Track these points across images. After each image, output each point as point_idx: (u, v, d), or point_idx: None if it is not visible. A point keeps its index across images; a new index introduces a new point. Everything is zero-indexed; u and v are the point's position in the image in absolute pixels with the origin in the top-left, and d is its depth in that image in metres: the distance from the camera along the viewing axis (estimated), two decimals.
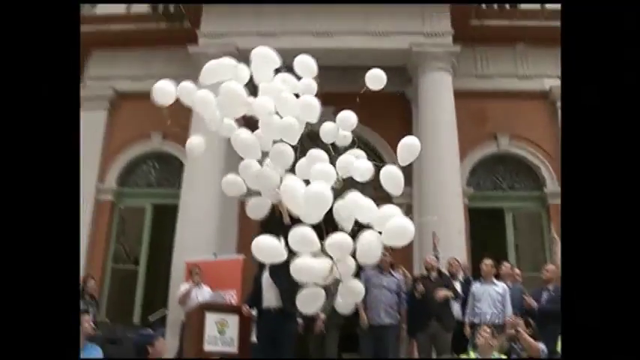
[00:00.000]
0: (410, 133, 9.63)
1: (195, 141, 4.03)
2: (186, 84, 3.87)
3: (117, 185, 10.53)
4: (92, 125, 10.43)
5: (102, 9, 11.15)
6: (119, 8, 11.18)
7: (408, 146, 3.75)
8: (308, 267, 2.92)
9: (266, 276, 5.52)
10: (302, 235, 2.93)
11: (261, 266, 5.61)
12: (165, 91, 3.81)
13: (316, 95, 3.84)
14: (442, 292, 6.71)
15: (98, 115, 10.66)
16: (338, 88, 10.03)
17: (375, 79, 4.13)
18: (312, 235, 2.92)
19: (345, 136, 4.12)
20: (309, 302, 3.07)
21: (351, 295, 3.24)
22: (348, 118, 4.08)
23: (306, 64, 4.05)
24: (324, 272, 2.92)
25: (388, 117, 9.85)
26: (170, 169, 10.61)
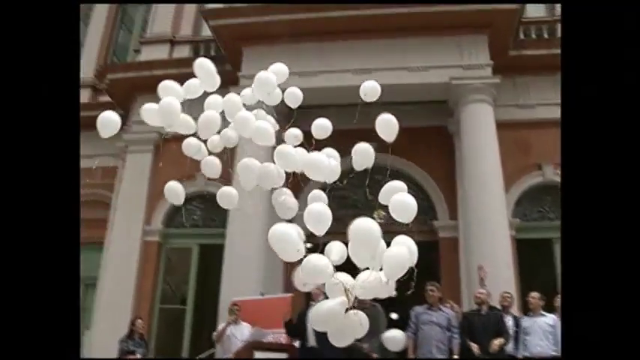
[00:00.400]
0: (453, 166, 9.69)
1: (172, 185, 4.44)
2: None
3: (163, 226, 10.74)
4: (138, 168, 10.74)
5: (145, 55, 11.55)
6: (162, 54, 11.57)
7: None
8: (327, 312, 2.84)
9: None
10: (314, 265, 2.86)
11: (308, 304, 5.64)
12: (109, 122, 3.94)
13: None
14: (496, 343, 6.52)
15: (144, 158, 10.95)
16: None
17: (371, 90, 4.38)
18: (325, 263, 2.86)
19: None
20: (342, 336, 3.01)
21: (392, 344, 3.26)
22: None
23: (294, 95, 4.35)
24: (343, 304, 2.81)
25: (431, 152, 9.87)
26: (215, 209, 10.75)
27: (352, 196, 9.77)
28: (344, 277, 2.89)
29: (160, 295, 10.51)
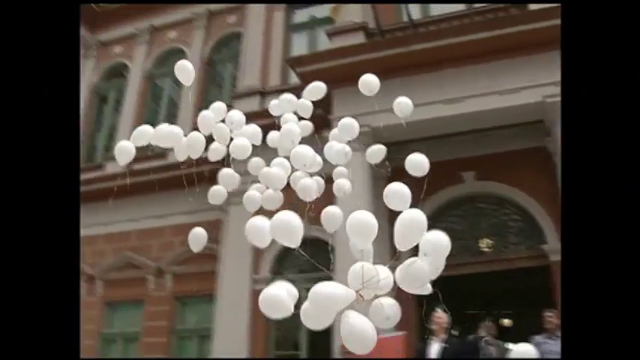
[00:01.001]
0: (556, 187, 9.35)
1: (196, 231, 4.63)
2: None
3: (271, 274, 10.96)
4: (241, 219, 11.04)
5: (238, 109, 11.99)
6: (253, 106, 12.03)
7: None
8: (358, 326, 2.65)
9: (434, 351, 5.49)
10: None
11: (425, 341, 5.59)
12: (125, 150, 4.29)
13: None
14: None
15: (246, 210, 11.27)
16: (475, 151, 10.04)
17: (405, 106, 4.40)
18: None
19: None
20: None
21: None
22: None
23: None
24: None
25: (533, 174, 9.58)
26: (320, 253, 10.90)
27: (456, 228, 9.64)
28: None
29: (274, 341, 10.69)
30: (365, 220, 2.95)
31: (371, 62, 9.76)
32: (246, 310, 10.62)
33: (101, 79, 17.12)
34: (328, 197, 4.81)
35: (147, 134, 4.50)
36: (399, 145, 10.33)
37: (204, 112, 4.72)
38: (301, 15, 14.12)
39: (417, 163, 4.29)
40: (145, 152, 15.63)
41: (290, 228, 3.22)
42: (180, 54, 15.53)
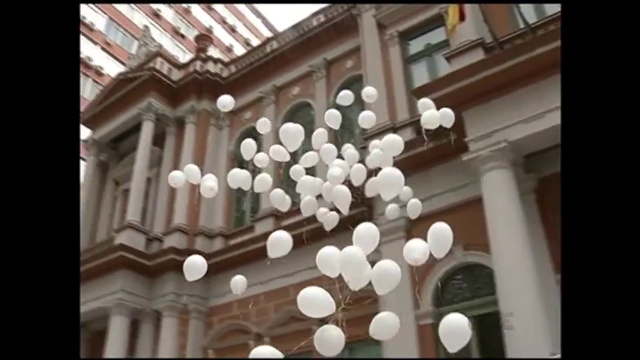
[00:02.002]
0: None
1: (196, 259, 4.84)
2: None
3: (433, 307, 10.88)
4: (394, 255, 11.13)
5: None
6: None
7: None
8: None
9: None
10: None
11: None
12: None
13: None
14: None
15: (398, 245, 11.36)
16: None
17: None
18: None
19: None
20: None
21: None
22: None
23: None
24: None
25: None
26: (480, 277, 10.73)
27: None
28: None
29: None
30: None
31: (495, 76, 9.67)
32: (414, 347, 10.61)
33: (237, 146, 18.18)
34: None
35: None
36: (539, 155, 10.06)
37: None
38: (416, 45, 14.30)
39: None
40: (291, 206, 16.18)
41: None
42: (306, 107, 16.24)
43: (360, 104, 15.33)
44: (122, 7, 45.35)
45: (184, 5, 51.93)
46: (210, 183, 6.03)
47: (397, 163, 11.67)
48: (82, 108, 27.96)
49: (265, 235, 15.40)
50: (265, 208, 15.46)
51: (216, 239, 17.01)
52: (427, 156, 11.14)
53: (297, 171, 6.67)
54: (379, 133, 12.65)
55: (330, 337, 3.54)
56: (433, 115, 6.05)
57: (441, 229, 3.93)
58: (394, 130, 12.69)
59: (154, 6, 48.16)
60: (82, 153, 28.68)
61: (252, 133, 17.42)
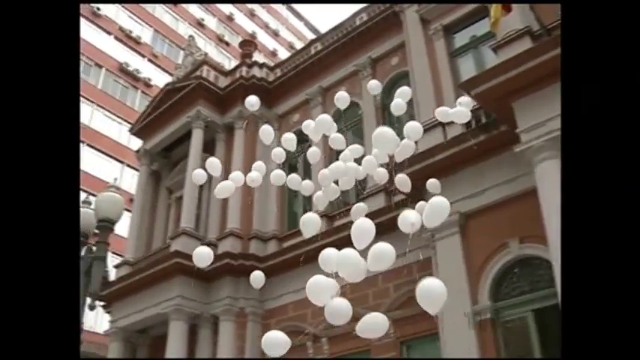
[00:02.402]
0: None
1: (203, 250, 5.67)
2: None
3: (491, 302, 10.82)
4: (450, 252, 11.19)
5: (423, 144, 12.22)
6: (437, 139, 12.15)
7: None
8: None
9: None
10: None
11: None
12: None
13: None
14: None
15: (452, 241, 11.36)
16: None
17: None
18: None
19: None
20: None
21: None
22: None
23: None
24: None
25: None
26: (538, 270, 10.61)
27: None
28: None
29: None
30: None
31: (544, 64, 9.56)
32: (474, 343, 10.56)
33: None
34: None
35: None
36: None
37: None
38: (461, 38, 14.24)
39: None
40: (335, 208, 16.32)
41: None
42: (354, 107, 16.28)
43: (409, 103, 15.39)
44: (166, 19, 46.43)
45: (227, 13, 52.77)
46: (254, 174, 6.57)
47: (448, 158, 11.67)
48: (132, 119, 28.75)
49: (317, 237, 15.54)
50: (316, 209, 15.62)
51: (270, 242, 17.27)
52: (478, 149, 11.09)
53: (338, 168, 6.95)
54: (429, 129, 12.61)
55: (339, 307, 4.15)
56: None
57: (439, 200, 4.41)
58: (443, 125, 12.67)
59: (198, 15, 49.12)
60: (135, 163, 29.44)
61: (301, 135, 17.57)
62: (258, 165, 6.98)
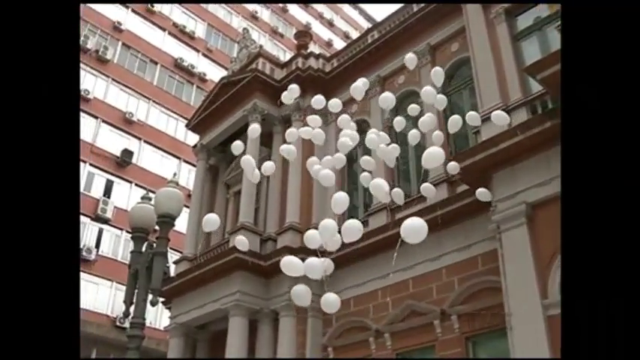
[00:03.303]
0: None
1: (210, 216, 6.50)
2: None
3: (561, 296, 10.56)
4: (517, 244, 11.01)
5: (486, 133, 12.07)
6: (501, 126, 11.94)
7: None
8: None
9: None
10: None
11: None
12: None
13: None
14: None
15: (520, 232, 11.16)
16: None
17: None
18: None
19: None
20: None
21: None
22: None
23: None
24: None
25: None
26: None
27: None
28: None
29: None
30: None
31: None
32: (544, 339, 10.33)
33: None
34: None
35: None
36: None
37: None
38: (524, 20, 13.93)
39: None
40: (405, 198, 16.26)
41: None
42: (413, 96, 16.16)
43: (469, 89, 15.19)
44: (220, 13, 47.11)
45: (281, 4, 53.09)
46: (317, 167, 6.98)
47: (513, 146, 11.45)
48: (189, 115, 29.29)
49: (379, 230, 15.57)
50: (378, 202, 15.57)
51: None
52: (544, 136, 10.84)
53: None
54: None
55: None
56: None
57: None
58: (507, 111, 12.43)
59: (251, 8, 49.66)
60: (192, 159, 30.02)
61: (361, 127, 17.54)
62: (324, 160, 7.40)
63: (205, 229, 7.33)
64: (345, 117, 8.47)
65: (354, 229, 6.51)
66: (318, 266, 6.60)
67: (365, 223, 16.00)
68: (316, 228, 17.10)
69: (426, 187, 9.02)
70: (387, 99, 8.57)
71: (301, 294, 6.59)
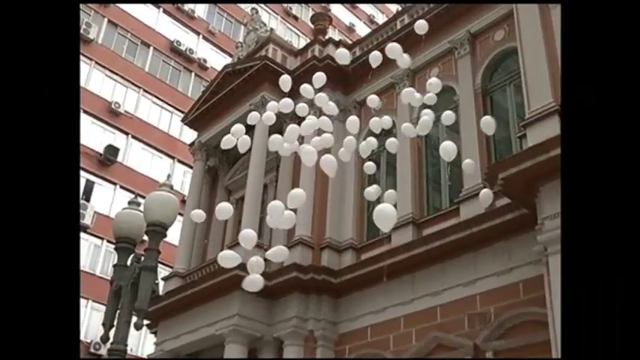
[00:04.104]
0: None
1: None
2: None
3: None
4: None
5: (533, 138, 11.99)
6: (552, 130, 11.90)
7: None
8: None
9: None
10: None
11: None
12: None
13: None
14: None
15: None
16: None
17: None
18: None
19: None
20: None
21: None
22: None
23: None
24: None
25: None
26: None
27: None
28: None
29: None
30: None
31: None
32: None
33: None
34: None
35: None
36: None
37: None
38: None
39: None
40: (423, 214, 16.15)
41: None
42: (448, 92, 16.13)
43: (514, 86, 15.13)
44: None
45: None
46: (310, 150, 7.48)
47: None
48: (185, 107, 29.40)
49: (403, 247, 15.54)
50: (403, 215, 15.54)
51: (346, 253, 17.29)
52: None
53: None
54: (543, 117, 12.32)
55: None
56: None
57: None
58: (560, 114, 12.36)
59: None
60: (187, 158, 30.11)
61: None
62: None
63: (219, 216, 7.63)
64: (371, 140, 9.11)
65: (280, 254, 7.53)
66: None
67: (387, 239, 15.97)
68: (330, 244, 17.25)
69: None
70: (409, 94, 8.88)
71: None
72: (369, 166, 9.53)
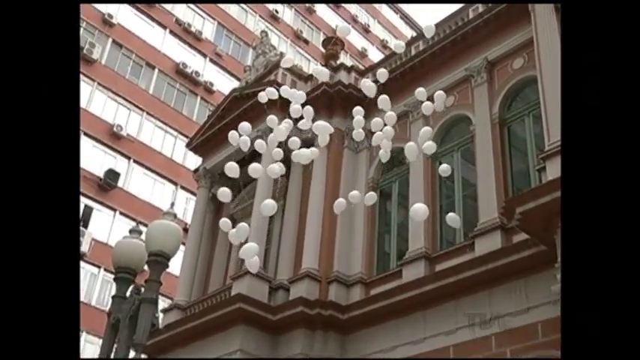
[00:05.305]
0: None
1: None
2: None
3: None
4: None
5: (552, 171, 11.97)
6: None
7: None
8: None
9: None
10: None
11: None
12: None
13: None
14: None
15: None
16: None
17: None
18: None
19: None
20: None
21: None
22: None
23: None
24: None
25: None
26: None
27: None
28: None
29: None
30: None
31: None
32: None
33: (379, 172, 18.34)
34: None
35: None
36: None
37: None
38: None
39: None
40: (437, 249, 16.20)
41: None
42: (463, 122, 16.18)
43: (533, 116, 15.14)
44: (233, 11, 47.32)
45: (306, 4, 53.31)
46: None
47: None
48: (190, 132, 29.50)
49: (415, 283, 15.51)
50: (415, 249, 15.50)
51: (355, 288, 17.19)
52: None
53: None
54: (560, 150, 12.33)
55: None
56: None
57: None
58: None
59: (271, 7, 49.89)
60: (191, 185, 30.13)
61: (400, 158, 17.53)
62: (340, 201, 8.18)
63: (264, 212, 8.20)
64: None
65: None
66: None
67: (398, 273, 15.92)
68: (338, 278, 17.19)
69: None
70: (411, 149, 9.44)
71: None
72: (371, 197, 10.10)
